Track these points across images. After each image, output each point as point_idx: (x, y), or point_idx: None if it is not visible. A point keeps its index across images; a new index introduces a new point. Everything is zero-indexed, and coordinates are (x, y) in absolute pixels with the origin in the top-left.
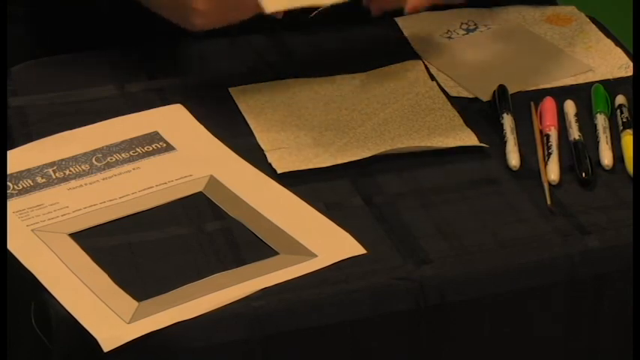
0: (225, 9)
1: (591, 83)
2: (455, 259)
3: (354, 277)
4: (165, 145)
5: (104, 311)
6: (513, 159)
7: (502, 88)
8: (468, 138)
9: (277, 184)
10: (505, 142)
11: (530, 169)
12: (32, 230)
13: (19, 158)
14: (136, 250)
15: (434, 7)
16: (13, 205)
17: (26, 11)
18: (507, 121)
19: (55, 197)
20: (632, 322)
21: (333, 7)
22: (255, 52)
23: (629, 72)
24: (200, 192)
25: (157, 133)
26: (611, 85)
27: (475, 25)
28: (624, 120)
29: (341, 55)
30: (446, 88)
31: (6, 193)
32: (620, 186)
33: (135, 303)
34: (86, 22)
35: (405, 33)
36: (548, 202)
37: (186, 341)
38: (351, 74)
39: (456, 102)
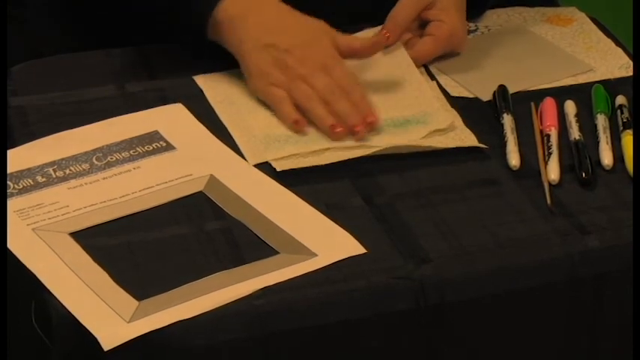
0: None
1: (591, 83)
2: (455, 259)
3: (354, 276)
4: (165, 144)
5: (104, 310)
6: (513, 159)
7: (502, 88)
8: (468, 138)
9: (277, 183)
10: (505, 142)
11: (530, 169)
12: (33, 229)
13: (19, 157)
14: (135, 250)
15: None
16: (13, 205)
17: (26, 11)
18: (507, 121)
19: (55, 196)
20: (632, 322)
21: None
22: None
23: (630, 72)
24: (200, 191)
25: (157, 133)
26: (612, 85)
27: (476, 27)
28: (624, 120)
29: None
30: (446, 88)
31: (6, 192)
32: (620, 186)
33: (135, 302)
34: (87, 22)
35: None
36: (549, 202)
37: (186, 340)
38: None
39: (456, 102)
